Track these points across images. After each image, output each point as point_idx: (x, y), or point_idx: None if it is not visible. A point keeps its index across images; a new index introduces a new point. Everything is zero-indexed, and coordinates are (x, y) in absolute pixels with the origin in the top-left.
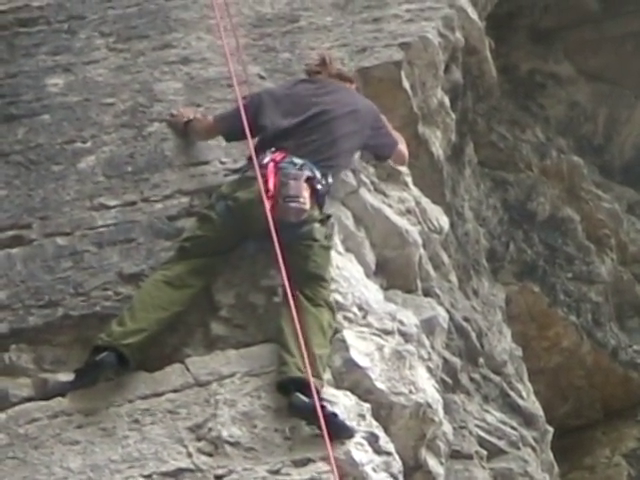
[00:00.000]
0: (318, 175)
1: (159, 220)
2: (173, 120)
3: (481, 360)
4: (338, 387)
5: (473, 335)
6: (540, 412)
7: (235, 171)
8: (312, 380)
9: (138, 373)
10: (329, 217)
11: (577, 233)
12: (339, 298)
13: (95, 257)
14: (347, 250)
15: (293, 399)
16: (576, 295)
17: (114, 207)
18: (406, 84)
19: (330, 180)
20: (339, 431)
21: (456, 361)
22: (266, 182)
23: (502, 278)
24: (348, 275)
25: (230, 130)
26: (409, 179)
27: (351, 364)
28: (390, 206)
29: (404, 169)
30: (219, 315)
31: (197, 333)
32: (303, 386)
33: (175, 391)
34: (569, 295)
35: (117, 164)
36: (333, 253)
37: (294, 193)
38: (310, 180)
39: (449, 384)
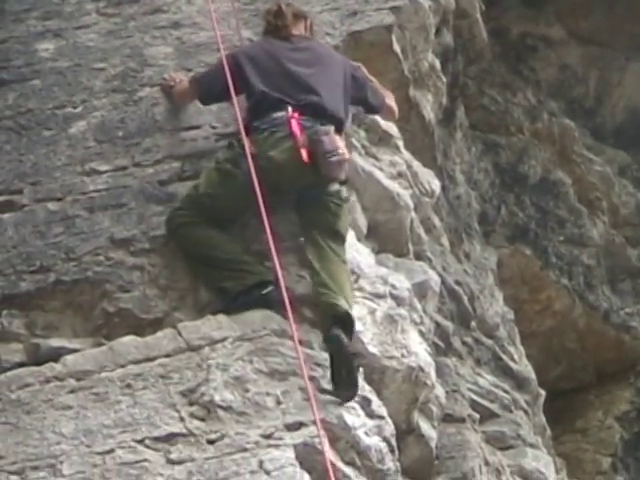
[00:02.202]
0: None
1: (150, 185)
2: (165, 84)
3: (473, 324)
4: None
5: (465, 299)
6: (532, 375)
7: (224, 136)
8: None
9: (130, 338)
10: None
11: (569, 196)
12: None
13: (86, 222)
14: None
15: (333, 333)
16: (568, 258)
17: (105, 172)
18: (397, 48)
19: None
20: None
21: (448, 325)
22: (295, 137)
23: (494, 241)
24: None
25: (209, 92)
26: (400, 143)
27: None
28: (381, 170)
29: (395, 132)
30: None
31: (188, 298)
32: (347, 323)
33: (167, 356)
34: (561, 258)
35: (108, 129)
36: None
37: (331, 147)
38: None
39: (441, 348)
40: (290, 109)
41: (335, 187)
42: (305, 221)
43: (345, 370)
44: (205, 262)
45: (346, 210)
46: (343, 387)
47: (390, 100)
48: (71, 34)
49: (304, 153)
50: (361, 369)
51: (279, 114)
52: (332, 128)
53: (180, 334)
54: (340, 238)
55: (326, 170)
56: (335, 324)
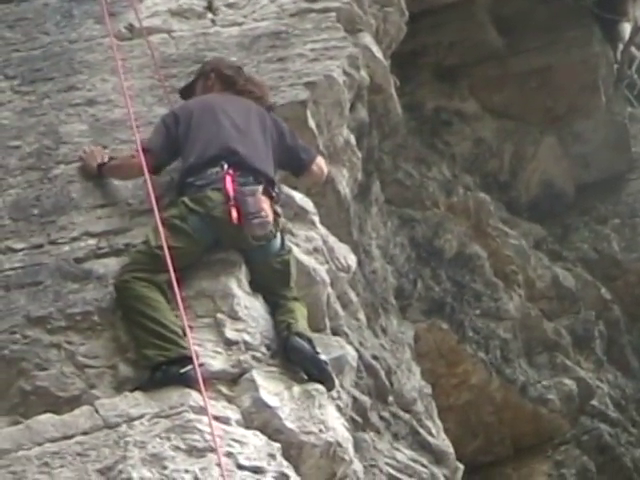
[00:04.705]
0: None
1: (66, 262)
2: (85, 158)
3: (390, 398)
4: (247, 427)
5: (382, 373)
6: (450, 449)
7: (140, 212)
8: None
9: (47, 416)
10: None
11: (484, 270)
12: (247, 338)
13: (2, 300)
14: (255, 289)
15: (292, 341)
16: (484, 332)
17: (21, 250)
18: (312, 123)
19: (277, 190)
20: (326, 380)
21: (365, 399)
22: (228, 197)
23: (410, 316)
24: (256, 315)
25: (162, 156)
26: (316, 218)
27: (260, 404)
28: (297, 245)
29: (311, 208)
30: (127, 356)
31: (106, 375)
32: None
33: (84, 434)
34: (477, 332)
35: (23, 207)
36: (240, 292)
37: (254, 209)
38: (266, 191)
39: (359, 422)
40: (225, 165)
41: (276, 246)
42: (257, 281)
43: (315, 369)
44: (139, 322)
45: (292, 260)
46: (322, 382)
47: (320, 160)
48: None
49: (234, 213)
50: (278, 445)
51: (214, 170)
52: (260, 188)
53: (97, 412)
54: (289, 286)
55: (248, 230)
56: (292, 336)
